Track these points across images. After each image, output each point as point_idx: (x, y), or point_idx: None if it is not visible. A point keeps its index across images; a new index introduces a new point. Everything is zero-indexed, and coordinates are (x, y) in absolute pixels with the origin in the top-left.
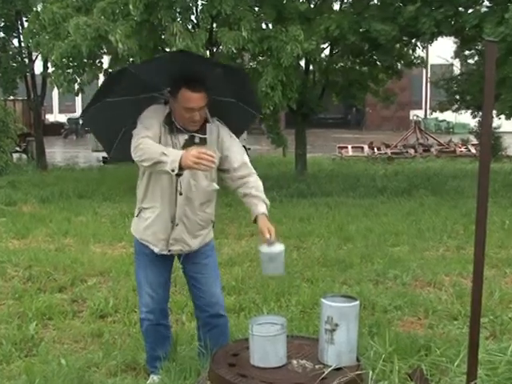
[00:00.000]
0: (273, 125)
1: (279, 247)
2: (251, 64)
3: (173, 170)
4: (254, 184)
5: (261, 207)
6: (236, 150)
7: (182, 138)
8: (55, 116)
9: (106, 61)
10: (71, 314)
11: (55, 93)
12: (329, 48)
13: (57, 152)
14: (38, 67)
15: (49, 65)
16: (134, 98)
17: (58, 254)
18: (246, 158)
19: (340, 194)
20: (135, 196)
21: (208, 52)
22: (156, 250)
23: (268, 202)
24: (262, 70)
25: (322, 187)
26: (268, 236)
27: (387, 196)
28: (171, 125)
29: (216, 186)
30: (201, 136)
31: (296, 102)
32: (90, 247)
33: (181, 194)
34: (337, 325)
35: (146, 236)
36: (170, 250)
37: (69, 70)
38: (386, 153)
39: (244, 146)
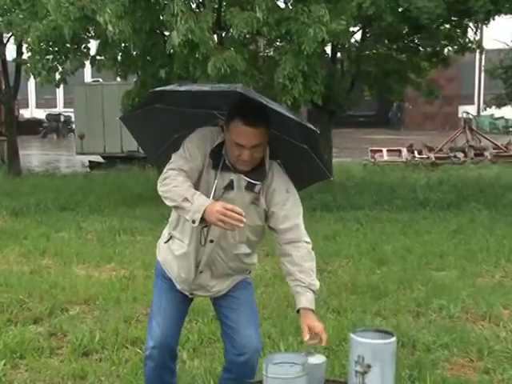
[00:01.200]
0: None
1: (317, 359)
2: (267, 51)
3: (193, 222)
4: (300, 261)
5: (304, 299)
6: (287, 209)
7: (228, 177)
8: (31, 111)
9: (93, 46)
10: (48, 351)
11: (31, 84)
12: (360, 31)
13: (33, 154)
14: (11, 52)
15: (24, 49)
16: (190, 110)
17: (33, 278)
18: (299, 221)
19: (373, 208)
20: (129, 209)
21: (216, 37)
22: (178, 287)
23: (316, 286)
24: (279, 59)
25: (351, 199)
26: (307, 338)
27: (430, 210)
28: (219, 158)
29: (246, 250)
30: (250, 181)
31: (321, 97)
32: (72, 269)
33: (211, 241)
34: (369, 366)
35: (169, 267)
36: (192, 294)
37: (48, 57)
38: (428, 157)
39: None
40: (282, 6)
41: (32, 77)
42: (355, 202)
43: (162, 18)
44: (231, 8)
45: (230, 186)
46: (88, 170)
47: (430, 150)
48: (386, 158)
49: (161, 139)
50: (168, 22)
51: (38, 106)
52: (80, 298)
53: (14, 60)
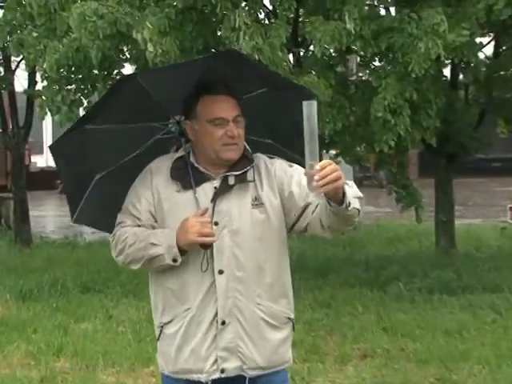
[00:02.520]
0: (397, 172)
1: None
2: (360, 75)
3: (174, 260)
4: None
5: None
6: (302, 180)
7: (209, 186)
8: (47, 159)
9: (128, 71)
10: None
11: (48, 122)
12: (492, 43)
13: (48, 216)
14: (21, 81)
15: (38, 77)
16: (123, 126)
17: None
18: None
19: None
20: None
21: (291, 56)
22: (203, 378)
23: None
24: (377, 84)
25: (483, 277)
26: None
27: None
28: (186, 176)
29: (267, 278)
30: (236, 173)
31: (436, 135)
32: (97, 375)
33: (221, 272)
34: None
35: (181, 364)
36: (223, 370)
37: (70, 87)
38: None
39: None
40: (382, 12)
41: (49, 113)
42: (489, 282)
43: (219, 33)
44: (311, 17)
45: (218, 193)
46: None
47: None
48: None
49: (81, 182)
50: (227, 39)
51: None
52: None
53: (25, 91)
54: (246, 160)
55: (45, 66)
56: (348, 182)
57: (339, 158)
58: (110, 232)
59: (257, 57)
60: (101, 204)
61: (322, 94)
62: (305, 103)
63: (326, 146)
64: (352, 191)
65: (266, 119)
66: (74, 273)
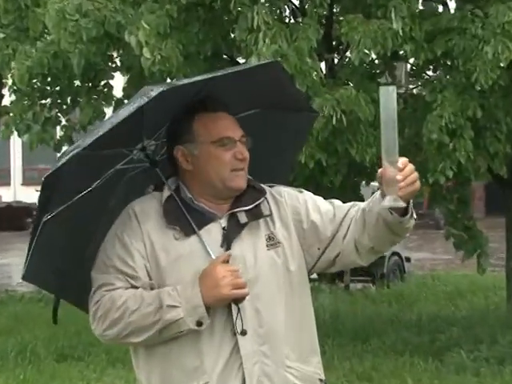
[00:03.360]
0: (457, 210)
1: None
2: (411, 86)
3: (199, 324)
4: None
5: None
6: (319, 204)
7: (217, 229)
8: (15, 192)
9: (118, 83)
10: None
11: (16, 145)
12: None
13: (15, 265)
14: None
15: (4, 91)
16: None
17: None
18: (335, 201)
19: None
20: None
21: (324, 64)
22: None
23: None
24: (431, 99)
25: None
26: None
27: None
28: (182, 218)
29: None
30: (246, 208)
31: (507, 163)
32: None
33: (243, 333)
34: None
35: None
36: None
37: (44, 101)
38: None
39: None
40: (439, 8)
41: (16, 134)
42: None
43: (232, 35)
44: (349, 15)
45: (229, 235)
46: None
47: None
48: None
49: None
50: (243, 42)
51: (26, 181)
52: None
53: None
54: (252, 190)
55: (13, 73)
56: None
57: None
58: (69, 300)
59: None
60: (52, 257)
61: (361, 112)
62: (382, 89)
63: (368, 176)
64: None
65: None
66: (47, 336)
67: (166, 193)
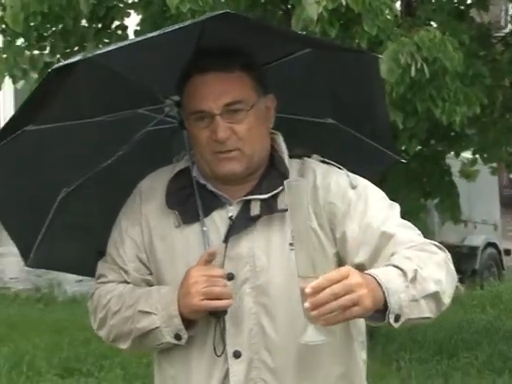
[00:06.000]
0: None
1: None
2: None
3: (178, 337)
4: (405, 254)
5: (378, 269)
6: (364, 209)
7: (223, 218)
8: None
9: (132, 21)
10: None
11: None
12: None
13: (9, 255)
14: None
15: None
16: (93, 121)
17: None
18: (397, 220)
19: None
20: None
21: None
22: None
23: (417, 273)
24: None
25: None
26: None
27: None
28: (189, 200)
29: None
30: (262, 197)
31: None
32: None
33: (237, 354)
34: None
35: None
36: None
37: (43, 43)
38: None
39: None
40: None
41: (9, 82)
42: None
43: None
44: None
45: (235, 228)
46: None
47: None
48: None
49: (35, 211)
50: None
51: None
52: None
53: None
54: (276, 173)
55: (5, 13)
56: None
57: (478, 164)
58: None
59: (343, 0)
60: (71, 235)
61: (448, 60)
62: (288, 183)
63: (456, 143)
64: (417, 287)
65: (317, 90)
66: (48, 345)
67: (179, 166)
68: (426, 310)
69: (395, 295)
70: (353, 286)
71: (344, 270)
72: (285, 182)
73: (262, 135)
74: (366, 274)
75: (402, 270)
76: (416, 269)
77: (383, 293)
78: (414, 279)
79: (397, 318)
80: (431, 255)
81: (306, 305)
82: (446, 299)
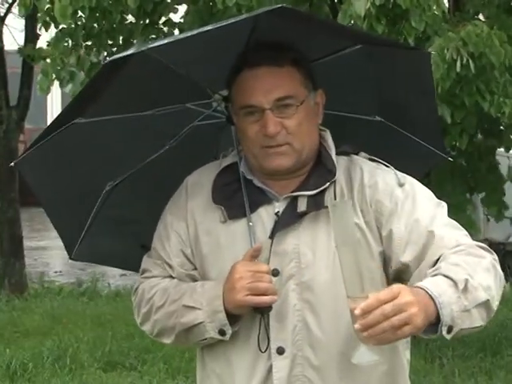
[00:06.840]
0: None
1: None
2: None
3: (222, 333)
4: (454, 260)
5: (428, 280)
6: (419, 213)
7: (269, 214)
8: None
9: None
10: None
11: (56, 99)
12: None
13: (53, 248)
14: (13, 34)
15: (40, 30)
16: (142, 115)
17: None
18: (444, 220)
19: None
20: None
21: None
22: None
23: (464, 280)
24: None
25: None
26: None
27: None
28: (236, 196)
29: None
30: (310, 193)
31: None
32: None
33: (280, 351)
34: None
35: None
36: None
37: (89, 42)
38: None
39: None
40: None
41: (55, 88)
42: None
43: None
44: None
45: (281, 224)
46: None
47: None
48: None
49: (78, 197)
50: None
51: None
52: None
53: (19, 51)
54: (323, 170)
55: (53, 7)
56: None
57: None
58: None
59: None
60: (116, 229)
61: (494, 55)
62: (331, 204)
63: (505, 138)
64: (468, 297)
65: (366, 87)
66: (91, 338)
67: (226, 162)
68: (478, 319)
69: (448, 307)
70: (403, 305)
71: (395, 288)
72: (329, 203)
73: (311, 131)
74: (417, 287)
75: (452, 280)
76: (467, 278)
77: (435, 306)
78: (465, 289)
79: (449, 330)
80: (479, 260)
81: (357, 326)
82: (496, 304)
